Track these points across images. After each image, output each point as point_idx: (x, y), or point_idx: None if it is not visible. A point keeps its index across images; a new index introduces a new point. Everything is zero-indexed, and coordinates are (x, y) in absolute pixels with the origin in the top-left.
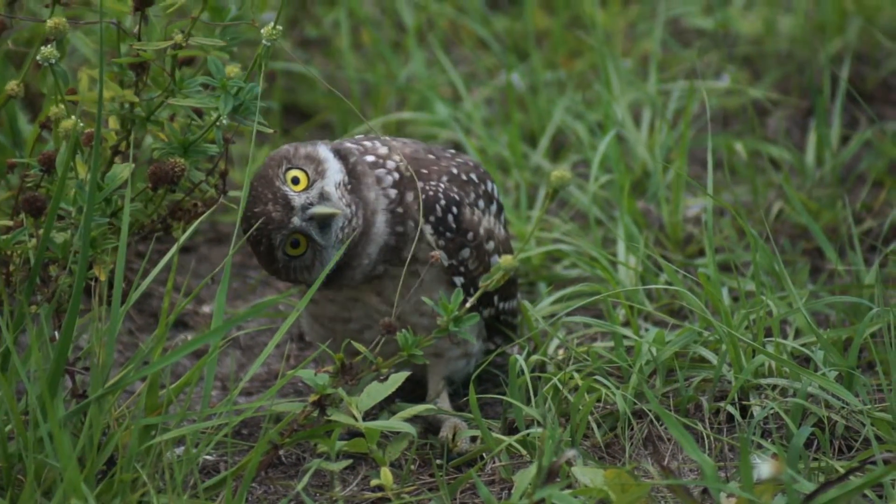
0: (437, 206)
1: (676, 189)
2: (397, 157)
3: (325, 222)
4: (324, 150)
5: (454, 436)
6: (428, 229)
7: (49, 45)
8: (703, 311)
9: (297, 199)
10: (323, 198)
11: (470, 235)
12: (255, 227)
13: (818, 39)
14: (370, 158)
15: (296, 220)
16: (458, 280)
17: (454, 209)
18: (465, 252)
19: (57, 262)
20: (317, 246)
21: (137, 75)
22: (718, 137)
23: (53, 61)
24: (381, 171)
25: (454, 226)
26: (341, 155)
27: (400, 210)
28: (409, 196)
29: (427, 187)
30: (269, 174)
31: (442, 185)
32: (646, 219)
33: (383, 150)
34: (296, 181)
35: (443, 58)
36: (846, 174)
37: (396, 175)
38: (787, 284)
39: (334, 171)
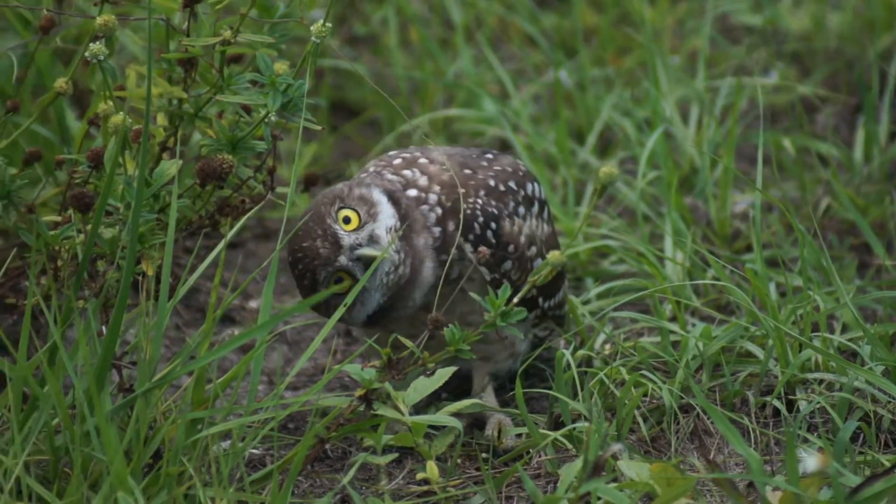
0: (476, 224)
1: (724, 185)
2: (437, 188)
3: (370, 264)
4: (377, 194)
5: (499, 433)
6: (468, 248)
7: (98, 42)
8: (750, 306)
9: (347, 239)
10: (372, 240)
11: (511, 248)
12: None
13: (867, 36)
14: (413, 193)
15: (342, 259)
16: None
17: (493, 224)
18: (507, 265)
19: (105, 258)
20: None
21: (186, 72)
22: (767, 134)
23: (102, 58)
24: (424, 207)
25: (494, 241)
26: (394, 199)
27: (443, 242)
28: (451, 225)
29: (465, 205)
30: (322, 211)
31: (480, 201)
32: (693, 215)
33: (423, 182)
34: (347, 221)
35: (491, 55)
36: (894, 170)
37: (439, 210)
38: (835, 279)
39: (387, 216)
